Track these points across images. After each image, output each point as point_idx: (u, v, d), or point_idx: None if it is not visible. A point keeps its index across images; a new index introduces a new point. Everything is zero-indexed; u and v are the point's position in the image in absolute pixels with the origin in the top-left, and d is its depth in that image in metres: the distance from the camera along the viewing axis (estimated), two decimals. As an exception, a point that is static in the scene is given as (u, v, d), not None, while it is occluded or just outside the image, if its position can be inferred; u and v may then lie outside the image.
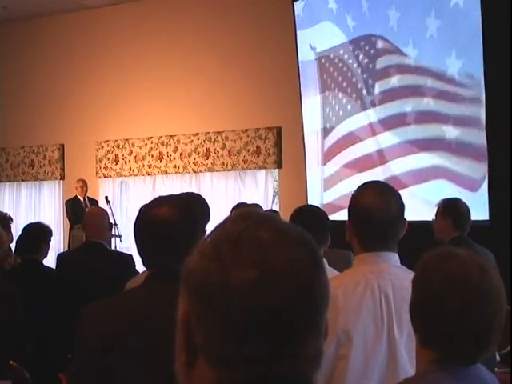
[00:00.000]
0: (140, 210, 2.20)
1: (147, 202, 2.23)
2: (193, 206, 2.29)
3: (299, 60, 9.22)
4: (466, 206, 4.85)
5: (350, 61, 8.56)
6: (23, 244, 5.10)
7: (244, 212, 0.99)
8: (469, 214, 4.82)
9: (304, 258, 0.94)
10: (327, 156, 8.88)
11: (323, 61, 8.90)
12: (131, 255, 4.92)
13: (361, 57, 8.40)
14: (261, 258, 0.92)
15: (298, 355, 0.93)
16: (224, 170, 10.49)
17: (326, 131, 8.91)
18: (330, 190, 8.80)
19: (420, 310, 1.70)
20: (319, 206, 5.88)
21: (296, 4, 9.11)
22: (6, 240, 4.79)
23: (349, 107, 8.60)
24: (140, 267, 3.28)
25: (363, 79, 8.41)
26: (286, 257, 0.93)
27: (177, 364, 0.97)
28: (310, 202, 8.58)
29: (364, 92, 8.38)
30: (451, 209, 4.80)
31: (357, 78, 8.50)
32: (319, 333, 0.95)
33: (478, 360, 1.67)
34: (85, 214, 5.54)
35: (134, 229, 2.18)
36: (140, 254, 2.17)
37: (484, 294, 1.63)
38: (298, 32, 9.15)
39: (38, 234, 5.08)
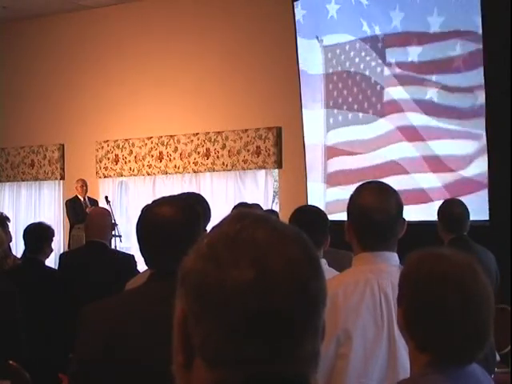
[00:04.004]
0: (142, 210, 2.21)
1: (147, 202, 2.24)
2: (194, 206, 2.30)
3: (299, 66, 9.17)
4: (459, 207, 4.78)
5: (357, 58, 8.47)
6: (25, 244, 5.11)
7: (240, 212, 0.99)
8: (463, 215, 4.73)
9: (301, 257, 0.94)
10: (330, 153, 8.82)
11: (329, 55, 8.80)
12: (133, 255, 4.93)
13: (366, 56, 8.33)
14: (258, 258, 0.91)
15: (297, 355, 0.92)
16: (224, 170, 10.48)
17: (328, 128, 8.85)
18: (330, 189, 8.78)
19: (418, 313, 1.68)
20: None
21: (296, 10, 9.05)
22: (5, 240, 4.79)
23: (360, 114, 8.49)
24: (141, 267, 3.28)
25: (370, 84, 8.31)
26: (284, 256, 0.92)
27: (174, 365, 0.97)
28: (309, 202, 8.57)
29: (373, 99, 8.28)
30: (442, 212, 4.79)
31: (365, 82, 8.39)
32: (317, 332, 0.95)
33: (475, 359, 1.67)
34: (88, 214, 5.56)
35: (136, 229, 2.19)
36: (142, 254, 2.18)
37: (479, 293, 1.64)
38: (298, 39, 9.08)
39: (39, 234, 5.08)
